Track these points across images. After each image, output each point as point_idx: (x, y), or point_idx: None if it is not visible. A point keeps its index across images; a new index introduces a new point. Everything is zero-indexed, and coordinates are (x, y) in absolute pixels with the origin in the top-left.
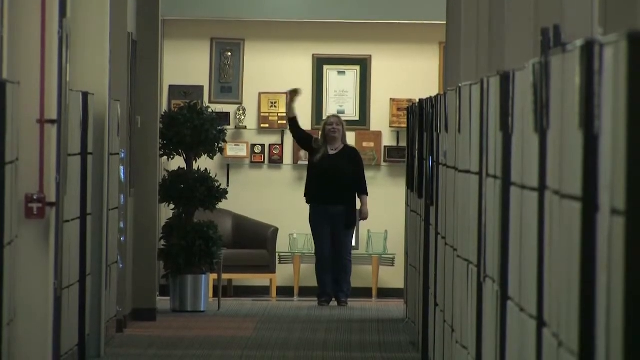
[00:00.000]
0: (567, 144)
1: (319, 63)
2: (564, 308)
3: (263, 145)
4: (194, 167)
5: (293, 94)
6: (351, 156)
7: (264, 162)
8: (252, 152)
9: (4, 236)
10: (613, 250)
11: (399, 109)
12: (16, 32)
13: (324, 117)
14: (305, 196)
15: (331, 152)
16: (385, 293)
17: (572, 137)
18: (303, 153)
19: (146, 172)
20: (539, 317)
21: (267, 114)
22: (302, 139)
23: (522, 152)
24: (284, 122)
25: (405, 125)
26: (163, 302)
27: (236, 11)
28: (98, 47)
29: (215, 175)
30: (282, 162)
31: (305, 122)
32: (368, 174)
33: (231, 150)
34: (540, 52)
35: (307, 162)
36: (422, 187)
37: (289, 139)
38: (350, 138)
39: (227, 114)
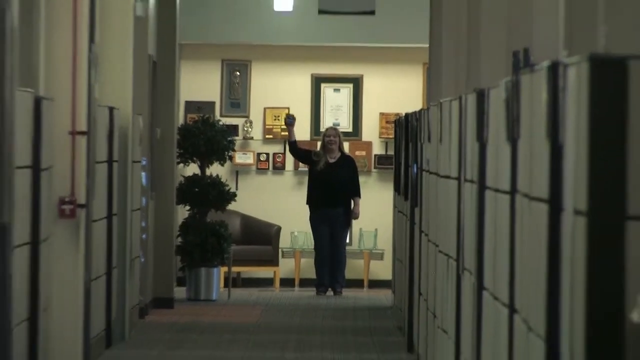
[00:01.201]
0: (535, 152)
1: (317, 81)
2: (533, 297)
3: (268, 154)
4: (207, 173)
5: (290, 123)
6: (348, 163)
7: (268, 168)
8: (258, 159)
9: (40, 234)
10: (575, 246)
11: (387, 122)
12: (51, 54)
13: (322, 129)
14: (307, 201)
15: (330, 161)
16: (375, 284)
17: (540, 146)
18: None
19: (165, 177)
20: (511, 305)
21: (271, 127)
22: (301, 157)
23: (495, 160)
24: (286, 133)
25: (393, 136)
26: (179, 292)
27: (244, 36)
28: (122, 67)
29: (226, 180)
30: (284, 169)
31: (304, 134)
32: (360, 179)
33: (239, 158)
34: (512, 72)
35: (306, 169)
36: (408, 190)
37: None
38: (344, 147)
39: (236, 126)
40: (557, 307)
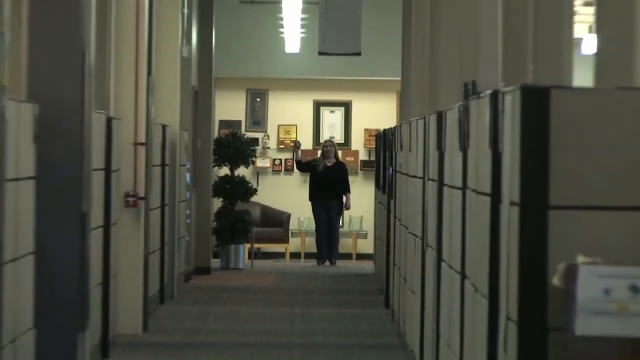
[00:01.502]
0: (480, 158)
1: (317, 105)
2: (479, 266)
3: (281, 159)
4: (235, 174)
5: (297, 147)
6: (341, 167)
7: (281, 170)
8: (273, 164)
9: (111, 219)
10: (511, 228)
11: (370, 135)
12: (118, 85)
13: (321, 140)
14: (310, 196)
15: (328, 164)
16: (361, 256)
17: (484, 154)
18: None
19: (203, 177)
20: (462, 272)
21: (283, 139)
22: (305, 169)
23: (451, 164)
24: (292, 144)
25: (374, 146)
26: (214, 262)
27: (262, 71)
28: (172, 94)
29: (249, 179)
30: (292, 171)
31: (308, 144)
32: (350, 178)
33: (260, 162)
34: (463, 98)
35: (308, 173)
36: (386, 186)
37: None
38: (339, 154)
39: (257, 139)
40: (496, 274)
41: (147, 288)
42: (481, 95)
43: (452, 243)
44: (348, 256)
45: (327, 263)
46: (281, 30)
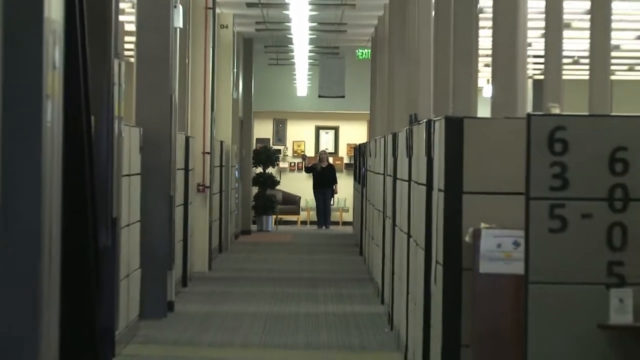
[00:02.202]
0: (419, 162)
1: (317, 129)
2: (418, 229)
3: (295, 163)
4: (266, 172)
5: (304, 158)
6: (331, 168)
7: (295, 170)
8: (290, 165)
9: (189, 200)
10: (439, 206)
11: (350, 148)
12: (193, 115)
13: (319, 150)
14: (313, 186)
15: (323, 167)
16: (345, 223)
17: (422, 159)
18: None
19: (246, 174)
20: (408, 233)
21: (296, 150)
22: (309, 171)
23: (401, 165)
24: (302, 156)
25: (354, 154)
26: (253, 227)
27: (283, 107)
28: (226, 122)
29: (275, 175)
30: (302, 171)
31: (311, 152)
32: (337, 175)
33: (281, 164)
34: (409, 124)
35: (312, 173)
36: (360, 179)
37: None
38: (330, 159)
39: (280, 149)
40: (430, 233)
41: (211, 243)
42: (420, 122)
43: (401, 215)
44: (336, 223)
45: (324, 228)
46: (294, 81)
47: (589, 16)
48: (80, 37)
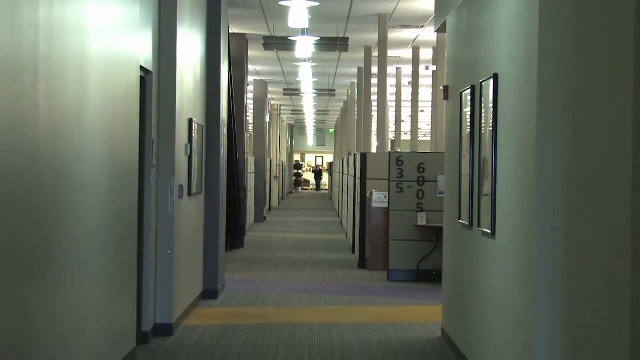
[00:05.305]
0: (350, 168)
1: (316, 157)
2: (351, 191)
3: (308, 170)
4: (299, 174)
5: (314, 169)
6: (320, 171)
7: (310, 171)
8: (306, 169)
9: (271, 182)
10: (356, 185)
11: (328, 164)
12: (270, 146)
13: (316, 164)
14: (314, 177)
15: (317, 170)
16: (324, 190)
17: (352, 167)
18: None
19: (289, 176)
20: (347, 193)
21: (309, 164)
22: (314, 171)
23: (346, 169)
24: (313, 166)
25: (328, 166)
26: (293, 191)
27: (302, 149)
28: (284, 153)
29: (301, 173)
30: (310, 171)
31: (312, 164)
32: (323, 174)
33: (304, 169)
34: (347, 155)
35: (314, 172)
36: (331, 174)
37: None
38: (320, 167)
39: (302, 164)
40: (355, 193)
41: (280, 194)
42: (351, 154)
43: (348, 191)
44: (322, 190)
45: (317, 190)
46: (304, 136)
47: None
48: (234, 122)
